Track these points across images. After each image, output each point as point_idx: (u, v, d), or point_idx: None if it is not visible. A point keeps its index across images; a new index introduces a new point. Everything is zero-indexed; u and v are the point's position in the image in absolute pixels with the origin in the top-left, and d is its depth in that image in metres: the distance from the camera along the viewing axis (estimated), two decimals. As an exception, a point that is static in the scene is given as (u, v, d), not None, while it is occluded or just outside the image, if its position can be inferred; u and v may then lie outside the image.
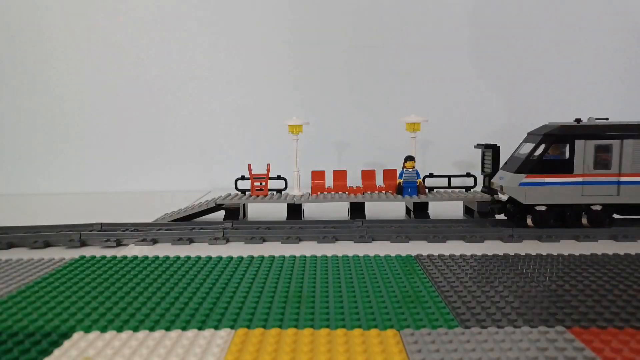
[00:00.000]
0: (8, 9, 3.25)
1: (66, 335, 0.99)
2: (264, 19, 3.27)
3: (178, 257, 1.56)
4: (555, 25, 3.20)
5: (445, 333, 0.97)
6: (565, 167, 1.77)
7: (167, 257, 1.56)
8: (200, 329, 1.01)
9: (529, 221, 1.82)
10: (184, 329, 1.01)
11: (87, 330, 1.01)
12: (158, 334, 0.99)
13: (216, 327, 1.01)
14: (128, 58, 3.32)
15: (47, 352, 0.92)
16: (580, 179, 1.77)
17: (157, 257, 1.56)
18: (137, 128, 3.40)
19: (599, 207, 1.79)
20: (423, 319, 1.04)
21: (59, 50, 3.31)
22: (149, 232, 1.87)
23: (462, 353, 0.89)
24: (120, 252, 1.70)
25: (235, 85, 3.34)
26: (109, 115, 3.39)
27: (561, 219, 1.82)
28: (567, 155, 1.77)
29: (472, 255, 1.51)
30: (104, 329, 1.02)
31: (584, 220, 1.80)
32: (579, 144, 1.75)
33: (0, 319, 1.07)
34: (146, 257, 1.56)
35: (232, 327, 1.01)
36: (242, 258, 1.54)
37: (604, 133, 1.76)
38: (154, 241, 1.82)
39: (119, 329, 1.01)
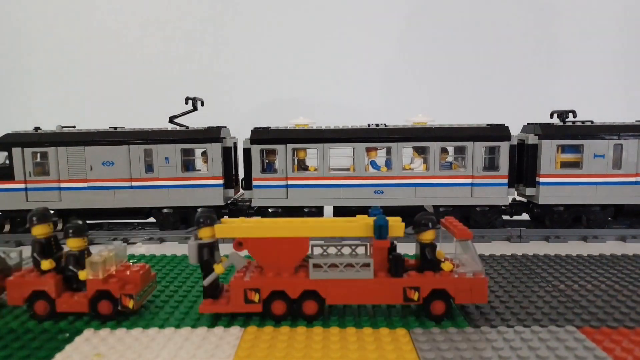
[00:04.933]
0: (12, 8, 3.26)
1: (78, 332, 0.99)
2: (262, 19, 3.27)
3: (185, 256, 1.56)
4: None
5: (455, 332, 0.97)
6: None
7: (175, 256, 1.56)
8: (209, 326, 1.01)
9: None
10: (193, 326, 1.01)
11: (98, 327, 1.02)
12: (168, 331, 0.99)
13: (226, 325, 1.02)
14: (135, 56, 3.32)
15: (59, 348, 0.93)
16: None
17: (164, 256, 1.56)
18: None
19: None
20: (432, 318, 1.04)
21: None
22: (156, 231, 1.87)
23: (472, 352, 0.89)
24: (127, 250, 1.70)
25: (238, 86, 3.34)
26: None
27: None
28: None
29: (480, 256, 1.51)
30: (114, 326, 1.02)
31: None
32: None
33: (13, 317, 1.08)
34: (153, 256, 1.57)
35: (241, 325, 1.01)
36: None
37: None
38: (161, 240, 1.82)
39: (129, 327, 1.02)
